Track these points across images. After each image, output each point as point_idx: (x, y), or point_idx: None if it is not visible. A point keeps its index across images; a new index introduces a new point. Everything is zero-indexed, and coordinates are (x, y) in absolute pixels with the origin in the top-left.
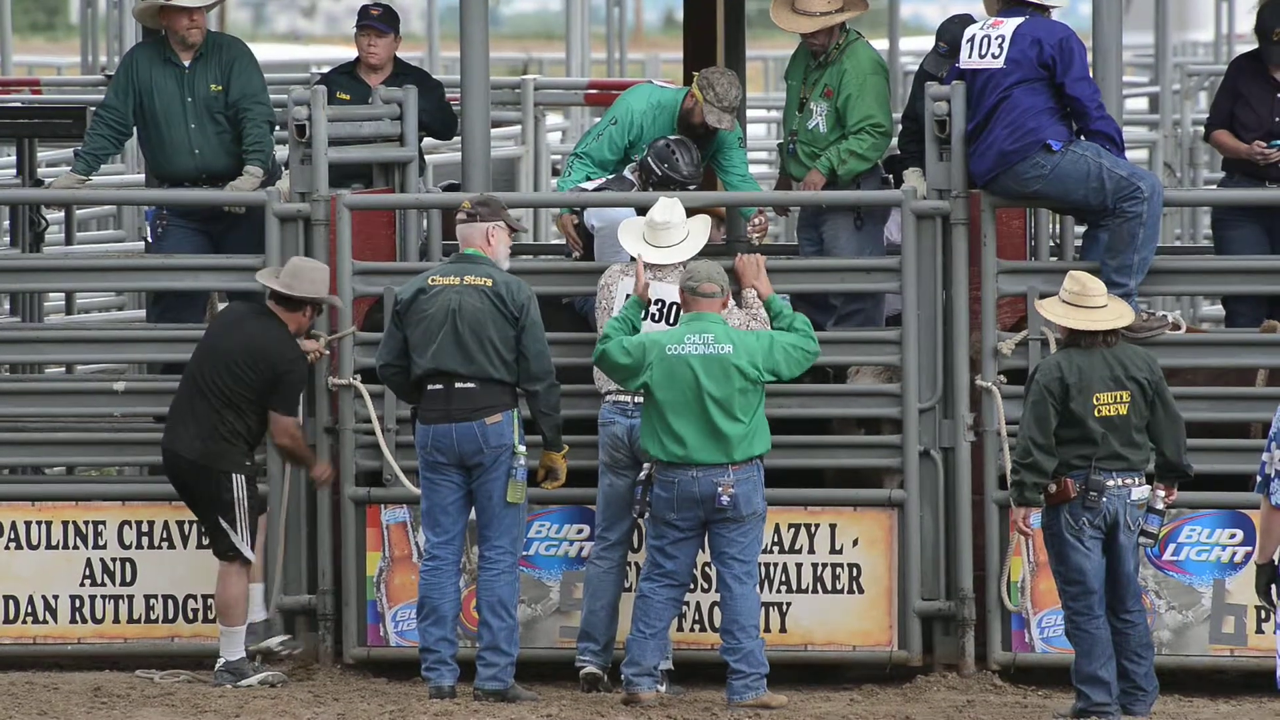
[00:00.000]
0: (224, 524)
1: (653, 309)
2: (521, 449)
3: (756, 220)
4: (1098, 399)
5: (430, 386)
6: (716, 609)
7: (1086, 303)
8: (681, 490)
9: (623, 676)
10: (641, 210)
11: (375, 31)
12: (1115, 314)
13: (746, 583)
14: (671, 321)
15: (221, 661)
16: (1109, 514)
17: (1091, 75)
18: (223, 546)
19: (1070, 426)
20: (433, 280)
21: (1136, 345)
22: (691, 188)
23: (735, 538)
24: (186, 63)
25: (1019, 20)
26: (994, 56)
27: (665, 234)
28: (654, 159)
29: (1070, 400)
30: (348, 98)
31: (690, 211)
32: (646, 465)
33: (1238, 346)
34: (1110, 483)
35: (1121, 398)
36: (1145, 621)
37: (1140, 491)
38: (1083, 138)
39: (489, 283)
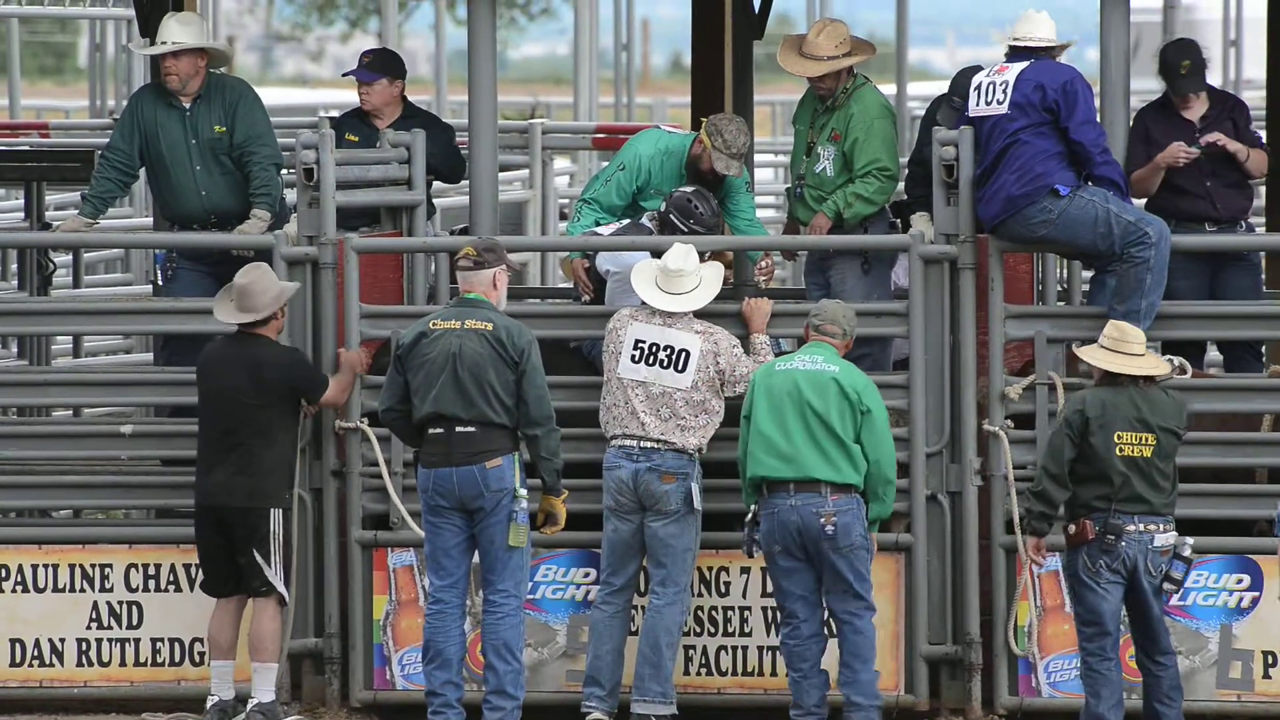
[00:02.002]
0: (259, 558)
1: (634, 351)
2: (523, 493)
3: (763, 264)
4: (1119, 437)
5: (431, 430)
6: (723, 652)
7: (1126, 349)
8: (780, 519)
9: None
10: (657, 254)
11: (361, 81)
12: (1151, 364)
13: (864, 616)
14: (650, 364)
15: (254, 702)
16: (1128, 559)
17: (1098, 119)
18: (257, 582)
19: (1088, 463)
20: (434, 324)
21: (1172, 392)
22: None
23: (845, 571)
24: (188, 105)
25: (1023, 65)
26: (998, 102)
27: (678, 281)
28: (675, 211)
29: (1090, 435)
30: (355, 139)
31: (705, 258)
32: (753, 506)
33: (1244, 391)
34: (1130, 527)
35: (1146, 440)
36: (1176, 665)
37: (1164, 538)
38: (1089, 183)
39: (489, 327)
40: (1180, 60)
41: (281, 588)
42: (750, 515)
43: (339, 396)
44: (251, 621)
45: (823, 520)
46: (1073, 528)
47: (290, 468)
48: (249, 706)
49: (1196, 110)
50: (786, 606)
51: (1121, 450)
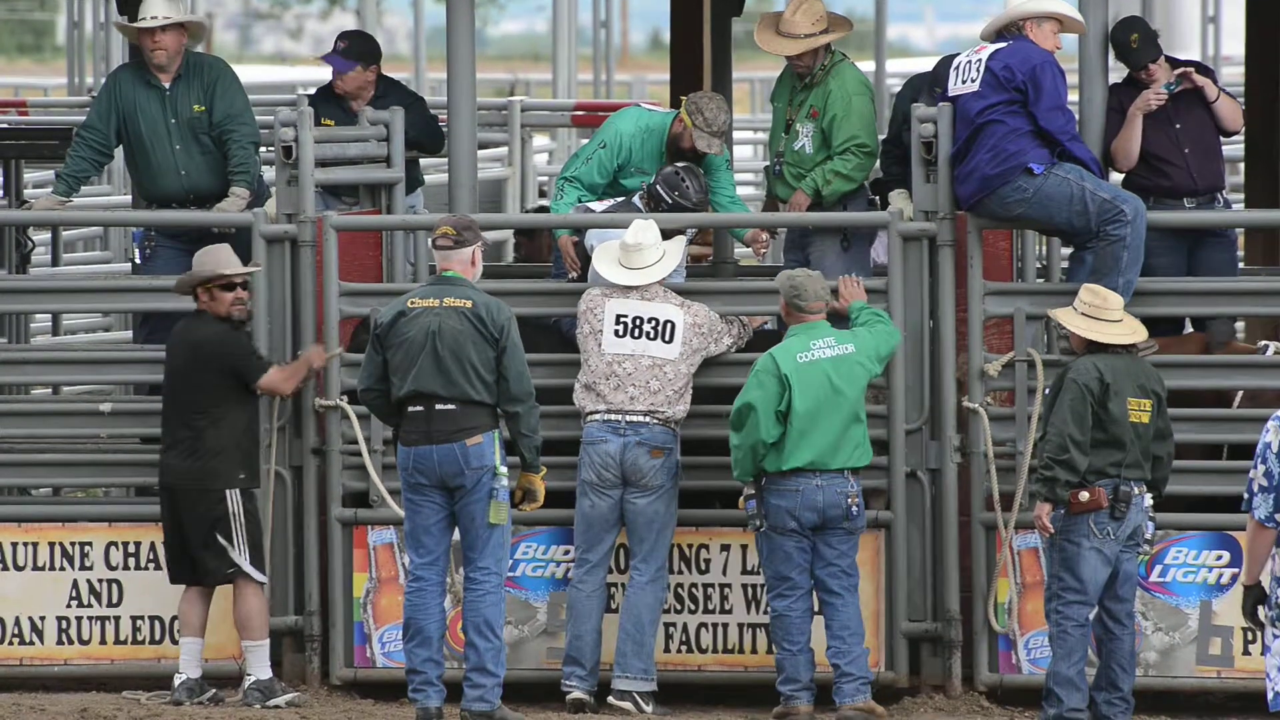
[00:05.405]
0: (221, 540)
1: (617, 326)
2: (503, 470)
3: (764, 237)
4: (1130, 403)
5: (411, 409)
6: (703, 630)
7: (1106, 315)
8: (805, 498)
9: (780, 693)
10: None
11: (336, 69)
12: (1131, 328)
13: (855, 593)
14: (636, 337)
15: (250, 679)
16: (1129, 525)
17: (1075, 98)
18: (224, 566)
19: (1103, 430)
20: (412, 303)
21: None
22: None
23: (846, 550)
24: (167, 84)
25: (998, 46)
26: (972, 81)
27: (638, 255)
28: (663, 187)
29: (1109, 401)
30: (331, 123)
31: (668, 233)
32: (749, 480)
33: (1219, 368)
34: (1135, 492)
35: (1144, 406)
36: (1134, 634)
37: (1149, 502)
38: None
39: (469, 304)
40: (1128, 36)
41: (249, 569)
42: (754, 491)
43: (282, 384)
44: (235, 603)
45: (849, 501)
46: (1085, 495)
47: (240, 448)
48: (245, 684)
49: (1161, 79)
50: (792, 578)
51: (1132, 416)
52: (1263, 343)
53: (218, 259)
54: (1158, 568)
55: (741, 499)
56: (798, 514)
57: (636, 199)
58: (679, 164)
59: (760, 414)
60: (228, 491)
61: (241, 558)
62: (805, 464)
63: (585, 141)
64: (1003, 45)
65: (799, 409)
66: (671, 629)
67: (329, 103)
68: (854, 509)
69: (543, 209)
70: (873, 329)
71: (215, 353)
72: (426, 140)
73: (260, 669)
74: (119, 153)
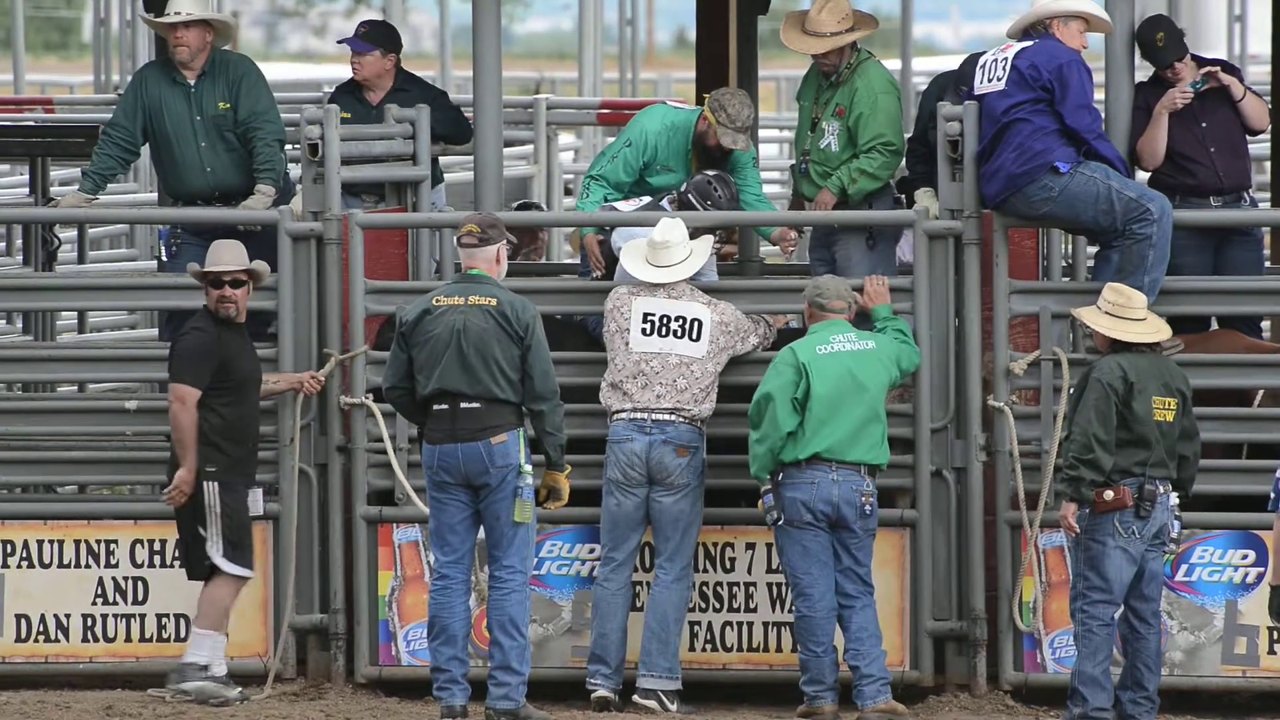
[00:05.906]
0: (201, 532)
1: (644, 324)
2: (528, 468)
3: (792, 235)
4: (1154, 402)
5: (436, 407)
6: (728, 629)
7: (1130, 314)
8: (820, 491)
9: (804, 693)
10: None
11: (355, 51)
12: (1155, 327)
13: (871, 596)
14: (664, 335)
15: (176, 664)
16: (1155, 524)
17: (1101, 96)
18: (203, 557)
19: (1128, 429)
20: (437, 301)
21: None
22: None
23: (861, 557)
24: (192, 81)
25: (1025, 44)
26: (998, 79)
27: (665, 253)
28: (695, 195)
29: (1134, 399)
30: (349, 116)
31: (696, 232)
32: (766, 476)
33: (1242, 367)
34: (1160, 491)
35: (1169, 404)
36: (1160, 633)
37: (1174, 501)
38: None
39: (494, 302)
40: (1154, 35)
41: (219, 560)
42: (770, 486)
43: (179, 400)
44: (204, 587)
45: (862, 499)
46: (1110, 494)
47: (210, 442)
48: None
49: (1187, 78)
50: (813, 573)
51: (1156, 415)
52: None
53: (211, 257)
54: (1183, 567)
55: (759, 498)
56: (813, 506)
57: (666, 203)
58: (710, 172)
59: (777, 402)
60: (204, 484)
61: (214, 549)
62: (823, 450)
63: (611, 140)
64: (1029, 44)
65: (819, 393)
66: (696, 628)
67: (347, 95)
68: (867, 508)
69: (525, 206)
70: (897, 342)
71: (176, 339)
72: (454, 132)
73: (192, 654)
74: (145, 150)
